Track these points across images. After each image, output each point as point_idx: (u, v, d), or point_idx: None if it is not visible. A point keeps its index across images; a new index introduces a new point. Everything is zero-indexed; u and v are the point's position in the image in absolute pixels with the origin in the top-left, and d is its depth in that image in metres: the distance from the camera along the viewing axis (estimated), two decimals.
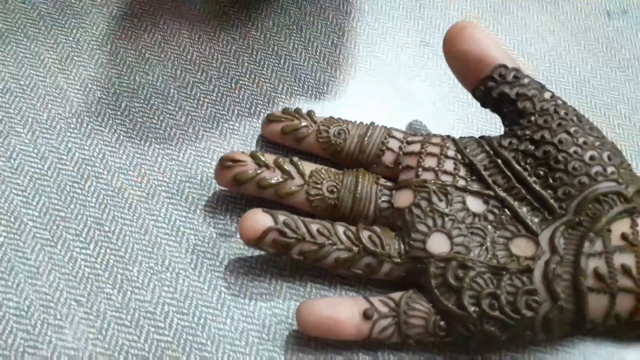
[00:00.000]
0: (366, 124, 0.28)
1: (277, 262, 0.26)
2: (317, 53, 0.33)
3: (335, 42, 0.34)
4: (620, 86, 0.35)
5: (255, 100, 0.31)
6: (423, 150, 0.26)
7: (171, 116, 0.30)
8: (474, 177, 0.26)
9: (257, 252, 0.26)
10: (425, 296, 0.24)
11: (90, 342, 0.23)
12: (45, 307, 0.24)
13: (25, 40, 0.31)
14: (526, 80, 0.26)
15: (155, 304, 0.25)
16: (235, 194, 0.28)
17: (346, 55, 0.33)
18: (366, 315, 0.23)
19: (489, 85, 0.26)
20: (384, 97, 0.32)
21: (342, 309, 0.23)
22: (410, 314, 0.23)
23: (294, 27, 0.34)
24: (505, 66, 0.26)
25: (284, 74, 0.32)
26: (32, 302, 0.24)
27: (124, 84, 0.30)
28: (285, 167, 0.26)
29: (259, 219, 0.24)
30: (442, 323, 0.23)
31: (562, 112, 0.26)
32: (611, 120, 0.34)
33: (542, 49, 0.36)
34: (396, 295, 0.24)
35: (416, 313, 0.23)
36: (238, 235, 0.27)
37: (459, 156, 0.26)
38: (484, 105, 0.28)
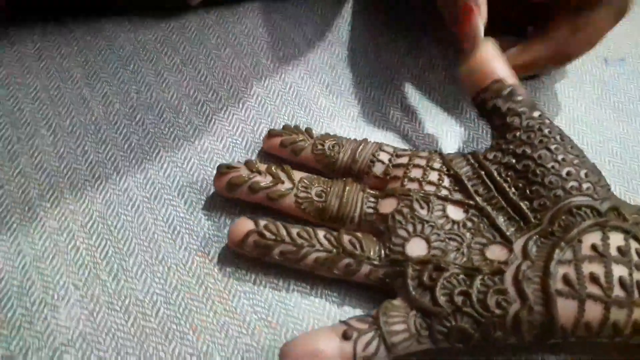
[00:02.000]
0: (359, 140, 0.30)
1: (262, 266, 0.28)
2: (321, 82, 0.36)
3: (339, 73, 0.36)
4: (612, 125, 0.36)
5: (260, 120, 0.33)
6: (410, 162, 0.28)
7: (180, 129, 0.32)
8: (457, 188, 0.27)
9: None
10: (402, 299, 0.25)
11: (82, 322, 0.25)
12: (45, 287, 0.26)
13: (58, 57, 0.34)
14: (519, 98, 0.28)
15: (145, 293, 0.26)
16: (230, 200, 0.30)
17: (348, 85, 0.36)
18: (345, 336, 0.23)
19: (486, 96, 0.28)
20: (379, 123, 0.34)
21: (322, 339, 0.23)
22: (391, 322, 0.24)
23: (302, 58, 0.37)
24: (502, 81, 0.28)
25: (288, 98, 0.35)
26: (34, 282, 0.26)
27: (141, 99, 0.33)
28: (276, 172, 0.28)
29: (243, 224, 0.26)
30: (422, 322, 0.24)
31: (545, 131, 0.27)
32: (602, 157, 0.35)
33: (538, 87, 0.38)
34: (373, 313, 0.25)
35: (396, 319, 0.24)
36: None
37: (444, 168, 0.28)
38: (480, 114, 0.30)
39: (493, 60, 0.29)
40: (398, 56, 0.38)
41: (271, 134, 0.31)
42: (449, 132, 0.34)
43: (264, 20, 0.38)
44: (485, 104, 0.29)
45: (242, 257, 0.28)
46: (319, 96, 0.35)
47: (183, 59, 0.35)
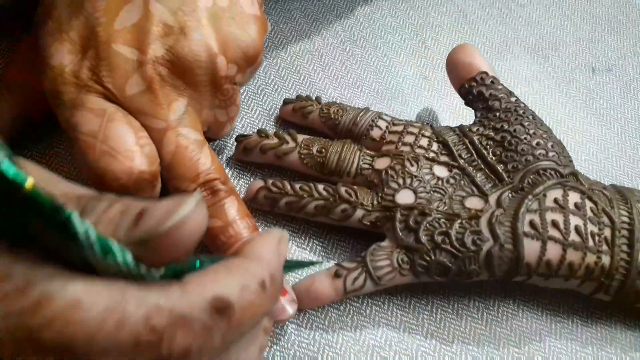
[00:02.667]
0: (362, 108, 0.35)
1: (270, 220, 0.32)
2: (332, 75, 0.40)
3: (348, 68, 0.41)
4: (592, 129, 0.40)
5: (275, 105, 0.38)
6: (404, 130, 0.32)
7: None
8: (444, 152, 0.32)
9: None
10: (389, 240, 0.29)
11: None
12: None
13: None
14: (499, 87, 0.34)
15: None
16: (248, 164, 0.34)
17: (355, 79, 0.40)
18: (337, 274, 0.28)
19: (472, 84, 0.34)
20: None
21: (318, 280, 0.28)
22: (376, 259, 0.28)
23: (316, 53, 0.41)
24: (486, 73, 0.34)
25: (302, 88, 0.39)
26: None
27: None
28: (282, 135, 0.33)
29: (256, 183, 0.32)
30: (404, 257, 0.28)
31: (520, 111, 0.32)
32: (579, 155, 0.39)
33: (527, 92, 0.42)
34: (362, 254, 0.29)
35: (381, 256, 0.28)
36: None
37: (434, 136, 0.32)
38: (465, 101, 0.35)
39: (477, 56, 0.34)
40: (404, 56, 0.42)
41: (285, 101, 0.36)
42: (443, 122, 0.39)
43: (285, 17, 0.43)
44: (471, 90, 0.34)
45: (255, 211, 0.32)
46: (328, 87, 0.40)
47: None
